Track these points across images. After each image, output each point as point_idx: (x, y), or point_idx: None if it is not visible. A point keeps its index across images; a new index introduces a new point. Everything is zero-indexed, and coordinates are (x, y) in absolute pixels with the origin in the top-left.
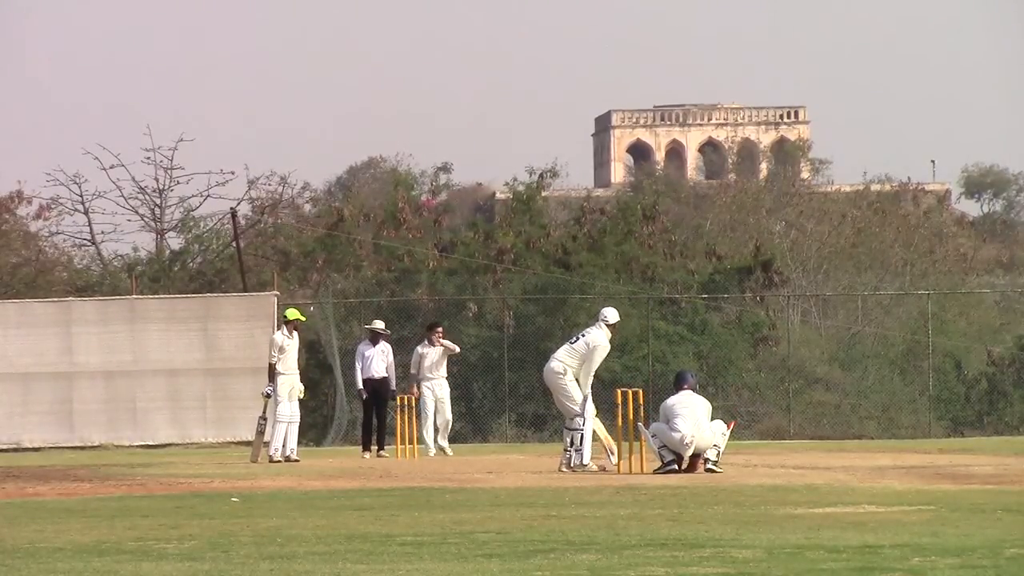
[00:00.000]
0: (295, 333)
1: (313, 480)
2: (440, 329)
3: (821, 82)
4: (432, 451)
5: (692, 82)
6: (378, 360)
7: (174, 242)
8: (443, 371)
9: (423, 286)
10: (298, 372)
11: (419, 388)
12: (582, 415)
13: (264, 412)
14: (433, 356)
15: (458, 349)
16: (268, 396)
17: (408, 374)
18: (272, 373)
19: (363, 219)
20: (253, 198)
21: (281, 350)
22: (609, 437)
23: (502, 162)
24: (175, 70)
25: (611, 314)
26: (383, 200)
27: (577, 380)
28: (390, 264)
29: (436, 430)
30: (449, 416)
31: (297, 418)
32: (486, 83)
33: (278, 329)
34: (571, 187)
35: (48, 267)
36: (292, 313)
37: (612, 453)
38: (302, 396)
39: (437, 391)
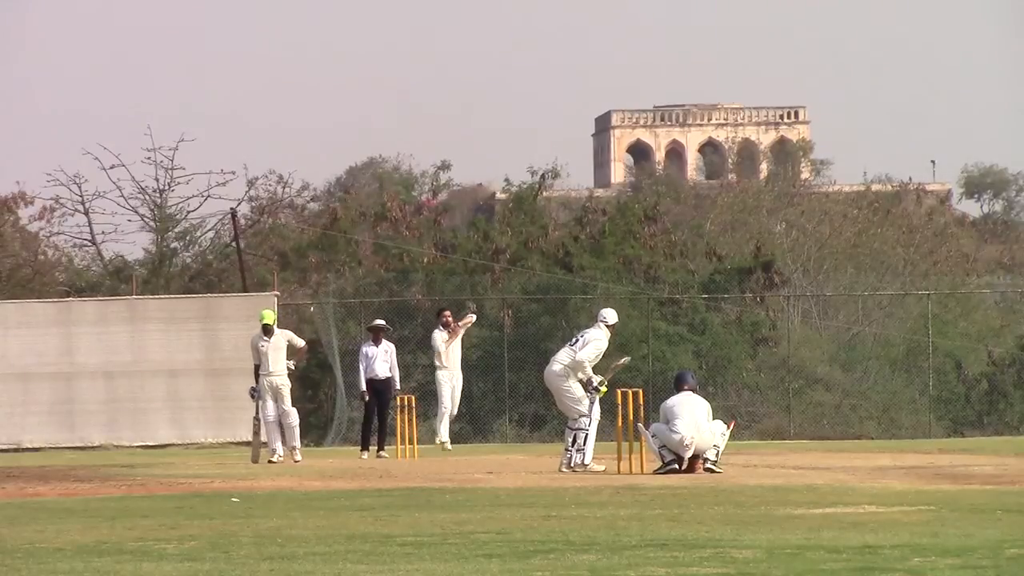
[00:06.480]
0: (274, 334)
1: (313, 480)
2: (447, 312)
3: (821, 82)
4: (445, 443)
5: (692, 82)
6: (381, 360)
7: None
8: (458, 360)
9: (420, 284)
10: (283, 373)
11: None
12: (588, 415)
13: (256, 413)
14: (452, 342)
15: (473, 318)
16: (252, 396)
17: (423, 367)
18: (256, 374)
19: (360, 218)
20: (252, 198)
21: (257, 352)
22: None
23: (502, 162)
24: (175, 70)
25: (610, 315)
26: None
27: (580, 382)
28: (387, 263)
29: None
30: (455, 409)
31: (296, 419)
32: (486, 83)
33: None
34: (572, 187)
35: (46, 269)
36: (263, 316)
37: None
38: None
39: (455, 380)
